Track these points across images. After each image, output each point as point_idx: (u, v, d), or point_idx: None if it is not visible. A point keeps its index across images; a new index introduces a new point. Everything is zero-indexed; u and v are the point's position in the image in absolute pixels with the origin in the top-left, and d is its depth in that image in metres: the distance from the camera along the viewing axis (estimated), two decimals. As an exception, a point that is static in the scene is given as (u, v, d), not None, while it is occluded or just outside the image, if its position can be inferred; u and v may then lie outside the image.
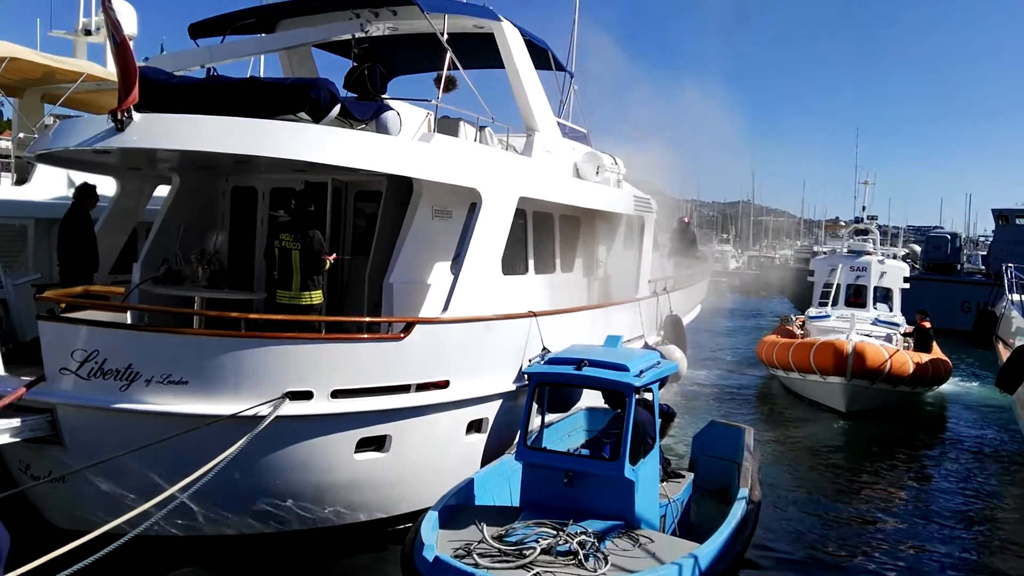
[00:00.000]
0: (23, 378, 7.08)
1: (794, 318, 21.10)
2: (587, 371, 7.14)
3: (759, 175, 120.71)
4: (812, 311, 20.39)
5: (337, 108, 8.24)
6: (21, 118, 13.54)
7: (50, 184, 12.02)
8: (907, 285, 20.53)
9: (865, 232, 23.41)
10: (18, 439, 6.89)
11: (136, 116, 7.32)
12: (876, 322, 18.95)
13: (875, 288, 20.04)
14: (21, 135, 13.36)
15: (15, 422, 6.85)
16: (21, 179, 12.14)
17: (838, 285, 20.09)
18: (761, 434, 12.83)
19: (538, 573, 5.73)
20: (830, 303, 20.00)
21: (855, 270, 20.24)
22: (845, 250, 21.81)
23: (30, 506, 7.49)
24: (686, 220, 24.45)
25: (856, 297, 20.15)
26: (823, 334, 17.86)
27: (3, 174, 12.32)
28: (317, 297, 8.62)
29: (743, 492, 7.77)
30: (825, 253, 27.68)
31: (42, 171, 11.74)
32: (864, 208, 26.02)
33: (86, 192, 9.64)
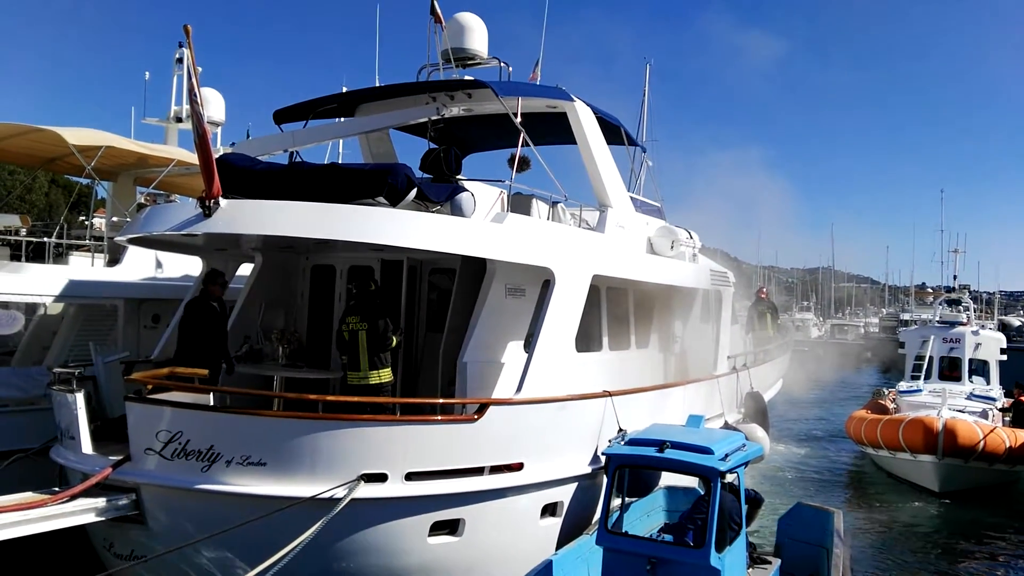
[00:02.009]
0: (110, 457, 7.30)
1: (887, 392, 20.18)
2: (669, 454, 6.97)
3: (839, 240, 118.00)
4: (903, 385, 19.47)
5: (414, 192, 8.44)
6: (115, 202, 14.30)
7: (140, 265, 12.58)
8: (1004, 357, 19.45)
9: (957, 302, 22.41)
10: (103, 518, 7.06)
11: (223, 202, 7.64)
12: (971, 396, 17.93)
13: (970, 360, 19.04)
14: (114, 218, 14.10)
15: (101, 501, 7.04)
16: (113, 259, 12.73)
17: (930, 358, 19.18)
18: (851, 515, 12.16)
19: None
20: (922, 376, 19.07)
21: (948, 342, 19.32)
22: (937, 320, 20.88)
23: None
24: (763, 294, 23.86)
25: (950, 370, 19.18)
26: (914, 409, 16.97)
27: (97, 255, 12.96)
28: (386, 375, 8.69)
29: None
30: (916, 323, 26.58)
31: (133, 252, 12.29)
32: (955, 277, 25.02)
33: (213, 279, 9.51)
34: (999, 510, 14.48)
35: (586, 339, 10.29)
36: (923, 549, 12.17)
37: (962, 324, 19.79)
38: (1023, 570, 11.50)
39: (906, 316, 51.20)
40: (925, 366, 19.14)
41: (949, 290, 24.21)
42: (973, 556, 11.82)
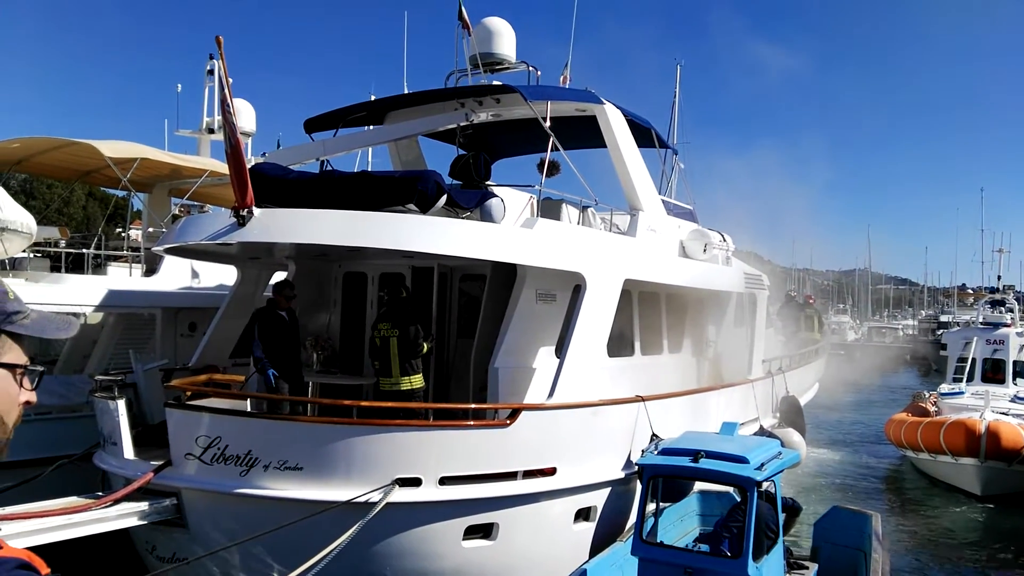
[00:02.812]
0: (151, 462, 7.45)
1: (927, 395, 19.82)
2: (704, 463, 6.90)
3: (875, 242, 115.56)
4: (945, 387, 19.09)
5: (444, 199, 8.49)
6: (150, 213, 14.58)
7: (177, 275, 12.80)
8: None
9: (1001, 303, 21.92)
10: (145, 522, 7.20)
11: (256, 211, 7.75)
12: (1016, 399, 17.52)
13: (1014, 362, 18.61)
14: (150, 229, 14.37)
15: (143, 505, 7.19)
16: (150, 270, 12.98)
17: (973, 359, 18.79)
18: (890, 519, 11.93)
19: None
20: (965, 378, 18.69)
21: (992, 343, 18.90)
22: (980, 322, 20.45)
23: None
24: (811, 299, 23.41)
25: (994, 372, 18.76)
26: (956, 412, 16.63)
27: (135, 265, 13.22)
28: (418, 381, 8.74)
29: None
30: (957, 325, 26.06)
31: (169, 262, 12.52)
32: (1000, 277, 24.43)
33: (279, 289, 9.45)
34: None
35: (618, 344, 10.26)
36: (963, 554, 11.90)
37: (1006, 325, 19.37)
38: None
39: (946, 318, 50.23)
40: (968, 368, 18.77)
41: (992, 291, 23.69)
42: (1016, 563, 11.53)
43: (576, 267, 8.97)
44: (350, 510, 7.02)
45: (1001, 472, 14.48)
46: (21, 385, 1.37)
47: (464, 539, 7.73)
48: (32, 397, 1.38)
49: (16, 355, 1.36)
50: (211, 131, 16.55)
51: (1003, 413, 15.99)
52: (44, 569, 1.21)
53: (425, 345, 8.81)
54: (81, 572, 9.00)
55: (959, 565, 11.45)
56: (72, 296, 11.42)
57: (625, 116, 11.21)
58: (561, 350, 8.82)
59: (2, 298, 1.34)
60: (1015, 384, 18.35)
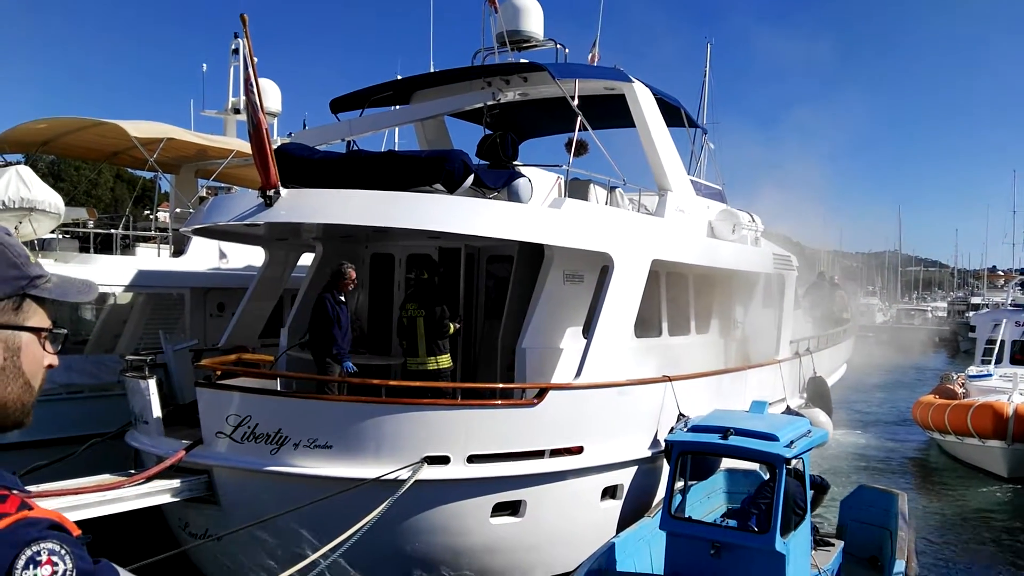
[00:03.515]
0: (183, 441, 7.54)
1: (955, 376, 19.61)
2: (734, 440, 6.92)
3: (906, 223, 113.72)
4: (973, 369, 18.85)
5: (471, 178, 8.46)
6: (178, 194, 14.67)
7: (205, 256, 12.90)
8: None
9: (1031, 283, 21.60)
10: (178, 499, 7.30)
11: (283, 192, 7.77)
12: None
13: None
14: (177, 210, 14.46)
15: (175, 483, 7.30)
16: (178, 251, 13.08)
17: (1002, 341, 18.53)
18: (916, 501, 11.85)
19: None
20: (993, 361, 18.44)
21: (1021, 325, 18.62)
22: (1009, 304, 20.14)
23: (189, 562, 7.88)
24: (836, 280, 23.20)
25: (1022, 354, 18.49)
26: (984, 394, 16.44)
27: (163, 246, 13.34)
28: (445, 361, 8.75)
29: (900, 565, 7.30)
30: (987, 307, 25.68)
31: (197, 243, 12.60)
32: (1030, 258, 24.01)
33: (343, 274, 8.92)
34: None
35: (645, 325, 10.21)
36: (990, 535, 11.81)
37: (1036, 306, 19.08)
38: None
39: (976, 300, 49.51)
40: (996, 350, 18.52)
41: (1022, 272, 23.28)
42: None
43: (604, 247, 8.92)
44: (380, 487, 7.08)
45: None
46: (45, 348, 1.39)
47: (492, 516, 7.78)
48: (55, 360, 1.42)
49: (40, 319, 1.38)
50: (237, 111, 16.60)
51: (1032, 395, 15.80)
52: (75, 531, 1.22)
53: (452, 326, 8.81)
54: (115, 549, 9.17)
55: (985, 545, 11.37)
56: (101, 276, 11.54)
57: (654, 95, 11.07)
58: (588, 331, 8.80)
59: (25, 262, 1.36)
60: (1045, 366, 18.07)
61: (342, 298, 8.74)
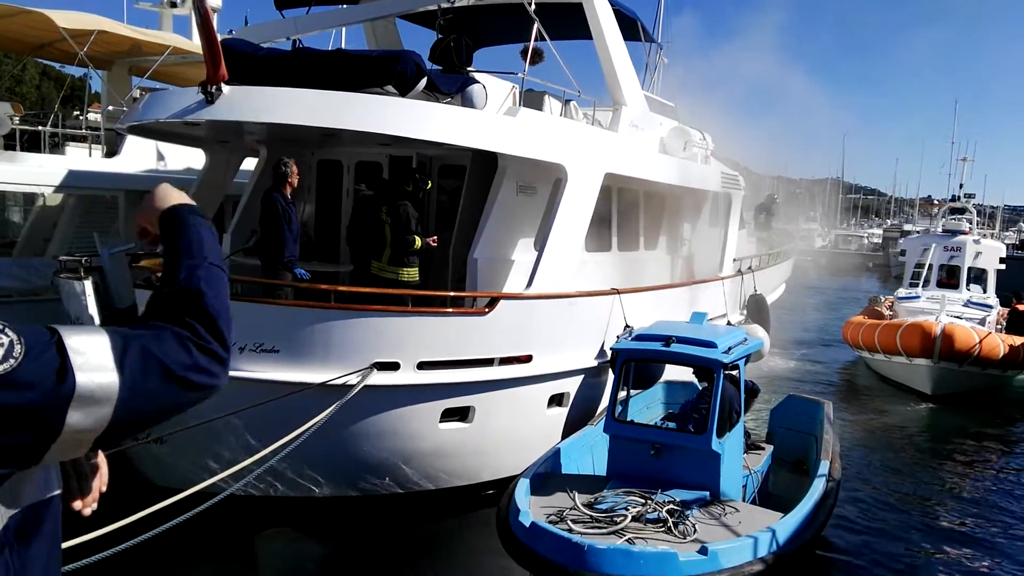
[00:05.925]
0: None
1: (883, 299, 20.38)
2: (675, 348, 7.17)
3: (849, 152, 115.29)
4: (902, 291, 19.62)
5: (423, 81, 8.21)
6: (110, 91, 13.92)
7: (140, 157, 12.36)
8: (1003, 266, 19.53)
9: (961, 211, 22.30)
10: (119, 402, 7.16)
11: (226, 89, 7.42)
12: (968, 304, 18.11)
13: (969, 268, 19.13)
14: (110, 108, 13.75)
15: (116, 386, 7.13)
16: (111, 151, 12.49)
17: (930, 265, 19.26)
18: (842, 415, 12.46)
19: (631, 539, 5.82)
20: (921, 283, 19.20)
21: (948, 250, 19.35)
22: (939, 229, 20.85)
23: (129, 463, 7.82)
24: (776, 197, 23.73)
25: (949, 278, 19.29)
26: (912, 315, 17.16)
27: (94, 147, 12.72)
28: (410, 274, 8.65)
29: (824, 466, 7.72)
30: (918, 232, 26.53)
31: (132, 143, 12.02)
32: (961, 186, 24.71)
33: (286, 175, 8.52)
34: (986, 413, 14.87)
35: (596, 239, 10.26)
36: (909, 448, 12.54)
37: (964, 233, 19.78)
38: (1003, 470, 11.88)
39: (909, 227, 51.13)
40: (924, 273, 19.25)
41: (954, 199, 24.01)
42: (956, 457, 12.18)
43: (558, 159, 8.83)
44: (328, 392, 7.07)
45: (952, 372, 15.09)
46: None
47: (441, 421, 7.89)
48: None
49: None
50: (174, 4, 15.70)
51: (957, 317, 16.57)
52: None
53: (419, 240, 8.63)
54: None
55: (904, 457, 12.08)
56: (30, 175, 11.00)
57: (612, 5, 10.81)
58: (540, 243, 8.80)
59: None
60: (968, 290, 18.90)
61: (290, 198, 8.51)
